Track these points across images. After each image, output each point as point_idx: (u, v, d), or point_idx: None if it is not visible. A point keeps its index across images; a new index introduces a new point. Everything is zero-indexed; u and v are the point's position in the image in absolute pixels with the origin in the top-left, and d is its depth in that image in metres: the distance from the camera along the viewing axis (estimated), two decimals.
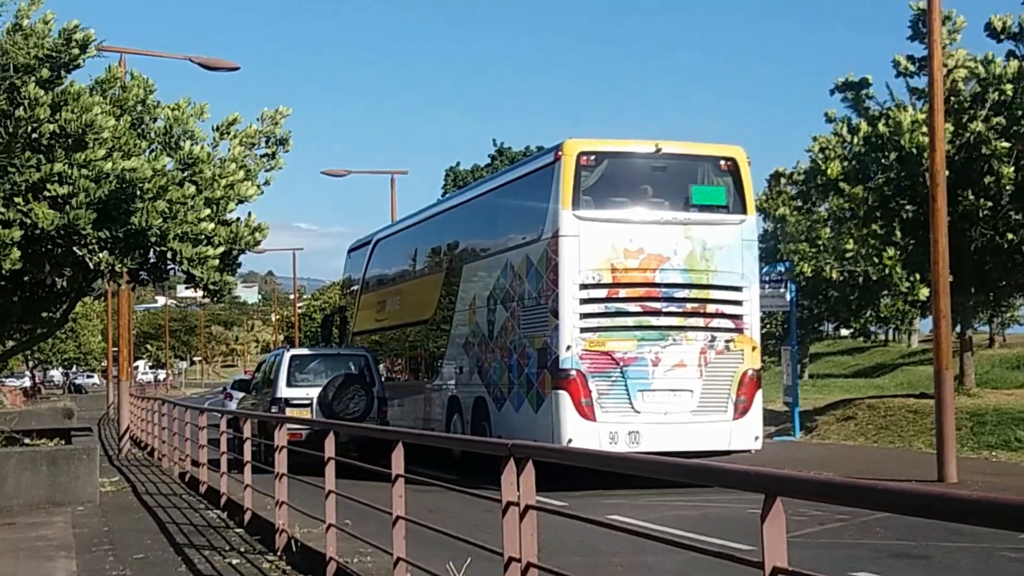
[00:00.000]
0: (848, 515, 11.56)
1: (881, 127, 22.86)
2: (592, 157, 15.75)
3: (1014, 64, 21.89)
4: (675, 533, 9.89)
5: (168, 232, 13.38)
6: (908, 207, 23.29)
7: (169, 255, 13.90)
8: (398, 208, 38.17)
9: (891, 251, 22.55)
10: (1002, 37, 22.77)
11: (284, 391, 19.72)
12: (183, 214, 13.46)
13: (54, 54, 12.94)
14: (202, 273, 13.98)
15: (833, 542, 10.46)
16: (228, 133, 14.80)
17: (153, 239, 13.47)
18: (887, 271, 22.53)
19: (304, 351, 22.22)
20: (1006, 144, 21.26)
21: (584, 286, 15.32)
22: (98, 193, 12.79)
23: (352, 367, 20.25)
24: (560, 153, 15.62)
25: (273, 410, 18.91)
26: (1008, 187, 21.47)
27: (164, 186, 13.24)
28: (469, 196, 20.79)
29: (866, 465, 17.78)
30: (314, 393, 19.28)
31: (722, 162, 16.25)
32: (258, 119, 14.96)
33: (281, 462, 10.19)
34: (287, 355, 20.60)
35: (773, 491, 3.63)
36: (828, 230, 24.06)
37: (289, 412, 18.58)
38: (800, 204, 27.91)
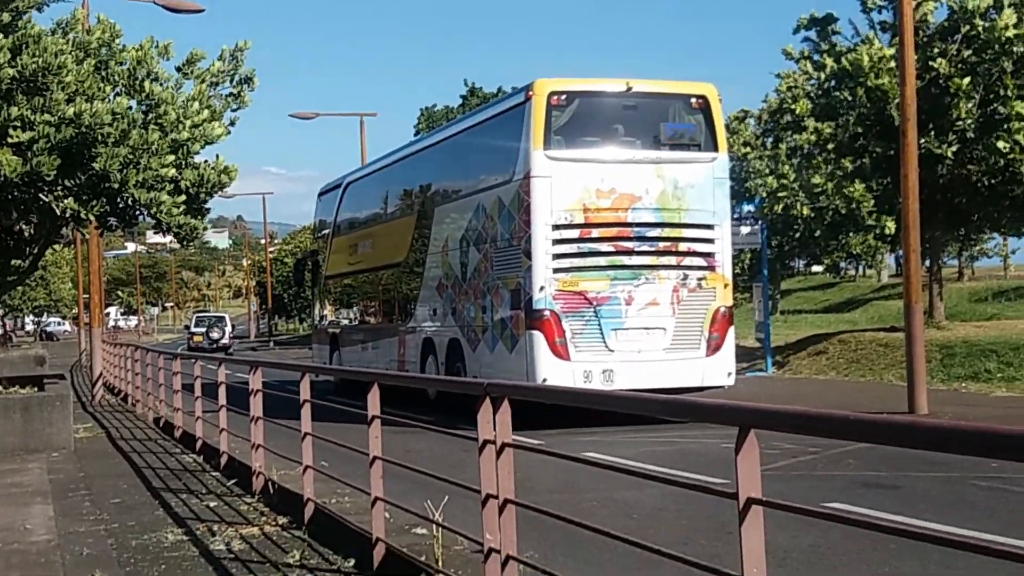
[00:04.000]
0: (820, 448, 11.72)
1: (846, 61, 22.82)
2: (563, 96, 15.68)
3: None
4: (650, 468, 10.00)
5: (128, 179, 13.19)
6: (877, 144, 23.35)
7: (130, 201, 13.73)
8: (368, 150, 38.01)
9: (858, 184, 22.61)
10: None
11: (193, 328, 54.82)
12: (145, 160, 13.24)
13: None
14: (168, 218, 13.83)
15: (806, 474, 10.61)
16: (191, 73, 14.54)
17: (116, 185, 13.29)
18: (854, 204, 22.61)
19: (202, 313, 64.72)
20: (965, 80, 21.31)
21: (556, 227, 15.32)
22: (59, 137, 12.59)
23: (217, 319, 54.97)
24: (531, 93, 15.53)
25: (187, 334, 55.71)
26: (970, 122, 21.55)
27: (126, 130, 13.01)
28: (440, 137, 20.66)
29: (837, 398, 17.99)
30: (203, 328, 53.44)
31: (693, 100, 16.20)
32: (219, 57, 14.69)
33: (256, 405, 10.19)
34: (194, 315, 63.30)
35: (747, 424, 3.66)
36: (792, 166, 24.07)
37: (194, 338, 52.52)
38: (763, 142, 27.97)
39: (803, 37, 24.84)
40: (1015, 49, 21.32)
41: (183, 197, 14.05)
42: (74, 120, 12.57)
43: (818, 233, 24.27)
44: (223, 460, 11.69)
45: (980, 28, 21.40)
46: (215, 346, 49.45)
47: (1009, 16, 21.19)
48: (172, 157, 13.55)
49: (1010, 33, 21.10)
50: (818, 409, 3.53)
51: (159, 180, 13.42)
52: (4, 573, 7.35)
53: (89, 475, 11.97)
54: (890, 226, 22.51)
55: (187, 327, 62.56)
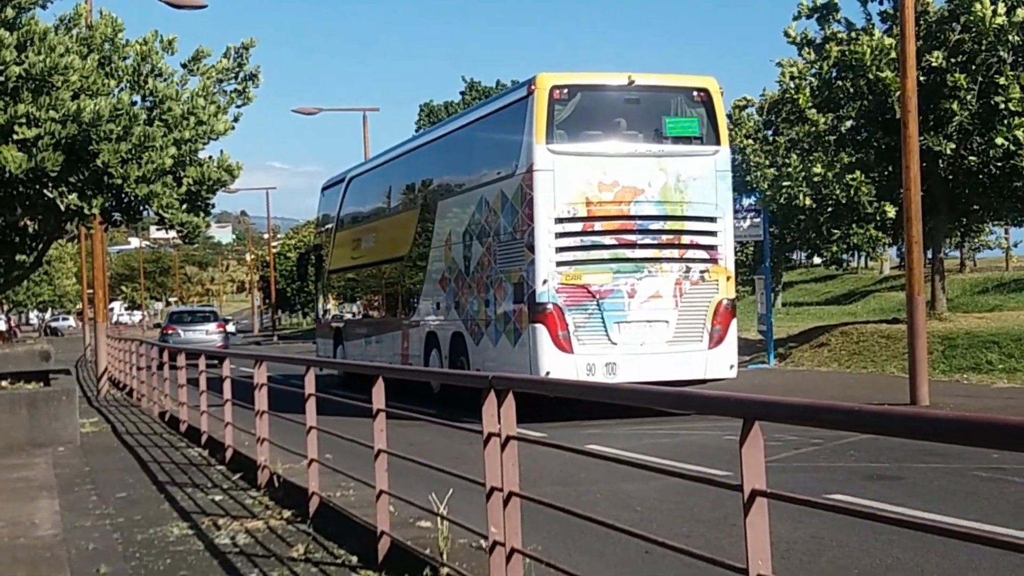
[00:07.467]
0: (822, 439, 11.75)
1: (848, 52, 22.78)
2: (565, 90, 15.69)
3: None
4: (654, 461, 10.02)
5: (129, 175, 13.22)
6: (879, 135, 23.32)
7: (132, 196, 13.77)
8: (371, 145, 38.07)
9: (857, 173, 22.58)
10: None
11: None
12: (147, 155, 13.27)
13: None
14: (170, 215, 13.87)
15: (808, 465, 10.64)
16: (196, 69, 14.57)
17: (119, 181, 13.33)
18: (854, 192, 22.58)
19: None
20: (962, 76, 21.30)
21: (559, 220, 15.35)
22: (63, 134, 12.63)
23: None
24: (533, 87, 15.54)
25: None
26: (967, 114, 21.51)
27: (128, 126, 13.04)
28: (442, 132, 20.68)
29: (839, 390, 18.02)
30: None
31: (695, 93, 16.22)
32: (224, 55, 14.73)
33: (261, 399, 10.23)
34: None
35: (752, 415, 3.69)
36: (796, 157, 24.04)
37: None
38: (766, 133, 27.88)
39: (804, 24, 24.77)
40: (1011, 39, 21.27)
41: (183, 188, 14.07)
42: (75, 116, 12.61)
43: (822, 219, 24.19)
44: (228, 454, 11.74)
45: (976, 15, 21.34)
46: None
47: (988, 5, 21.09)
48: (174, 150, 13.58)
49: (1000, 20, 21.03)
50: (821, 401, 3.55)
51: (159, 172, 13.46)
52: (10, 567, 7.40)
53: (95, 469, 12.02)
54: (889, 211, 22.48)
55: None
